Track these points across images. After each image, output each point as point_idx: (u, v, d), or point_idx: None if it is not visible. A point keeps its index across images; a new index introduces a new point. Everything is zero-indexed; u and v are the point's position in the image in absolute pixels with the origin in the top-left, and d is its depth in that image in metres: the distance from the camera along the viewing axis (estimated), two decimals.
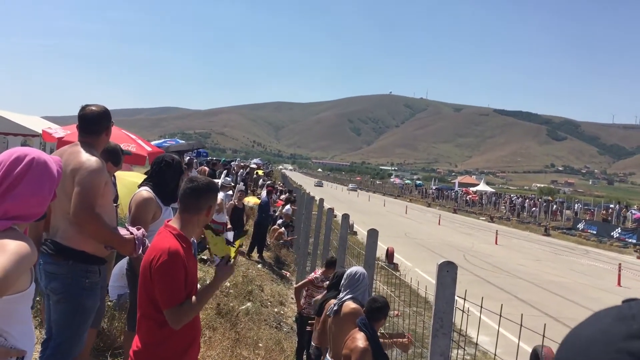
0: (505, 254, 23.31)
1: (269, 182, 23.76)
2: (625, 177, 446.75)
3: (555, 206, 47.90)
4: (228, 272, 3.15)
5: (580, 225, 39.19)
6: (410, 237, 25.92)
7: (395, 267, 15.59)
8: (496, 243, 26.86)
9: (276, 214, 18.19)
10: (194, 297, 2.92)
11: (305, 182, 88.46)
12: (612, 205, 45.65)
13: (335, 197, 53.81)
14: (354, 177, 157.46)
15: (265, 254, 15.02)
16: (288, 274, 14.17)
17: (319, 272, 7.50)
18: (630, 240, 32.15)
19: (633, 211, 42.05)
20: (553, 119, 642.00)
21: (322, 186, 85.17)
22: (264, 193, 16.47)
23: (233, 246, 3.17)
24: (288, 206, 18.09)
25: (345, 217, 7.55)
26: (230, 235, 10.84)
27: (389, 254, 16.83)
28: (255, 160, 47.24)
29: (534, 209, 46.51)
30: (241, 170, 26.40)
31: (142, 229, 3.94)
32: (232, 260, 3.14)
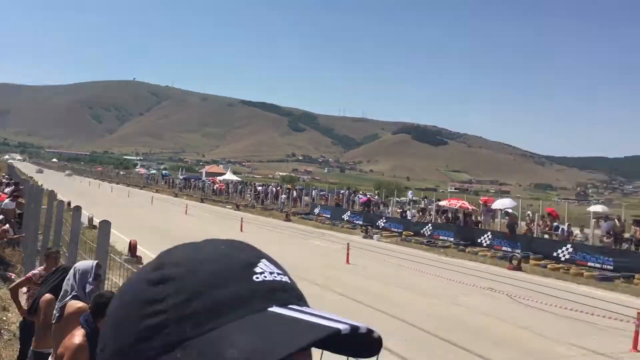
0: (251, 240, 24.06)
1: None
2: (354, 165, 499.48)
3: (295, 193, 51.21)
4: None
5: (317, 210, 42.57)
6: (156, 229, 25.28)
7: (139, 259, 15.06)
8: (242, 230, 27.64)
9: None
10: None
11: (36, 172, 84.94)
12: (342, 191, 50.63)
13: (76, 190, 49.90)
14: (94, 168, 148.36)
15: None
16: (14, 276, 12.62)
17: (39, 268, 6.78)
18: (357, 222, 35.98)
19: (360, 196, 47.20)
20: (294, 111, 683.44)
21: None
22: None
23: None
24: (7, 200, 16.09)
25: (77, 209, 6.96)
26: None
27: (132, 247, 16.20)
28: None
29: (283, 196, 48.73)
30: None
31: None
32: None
